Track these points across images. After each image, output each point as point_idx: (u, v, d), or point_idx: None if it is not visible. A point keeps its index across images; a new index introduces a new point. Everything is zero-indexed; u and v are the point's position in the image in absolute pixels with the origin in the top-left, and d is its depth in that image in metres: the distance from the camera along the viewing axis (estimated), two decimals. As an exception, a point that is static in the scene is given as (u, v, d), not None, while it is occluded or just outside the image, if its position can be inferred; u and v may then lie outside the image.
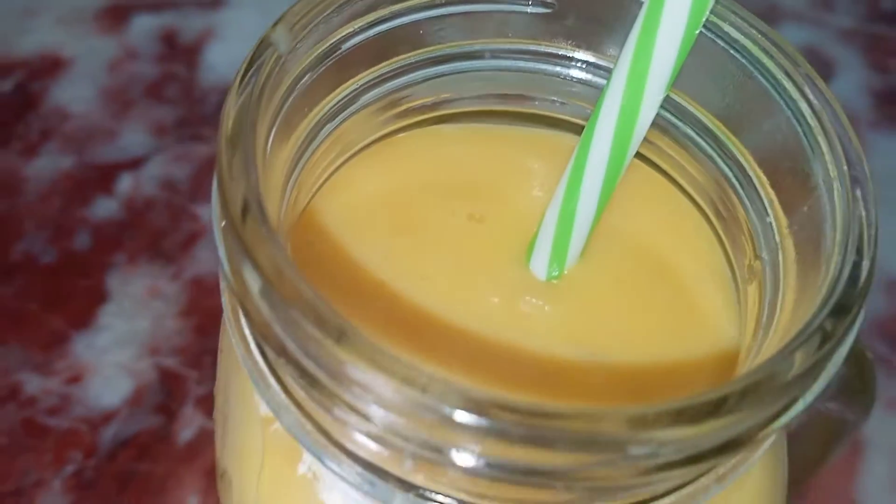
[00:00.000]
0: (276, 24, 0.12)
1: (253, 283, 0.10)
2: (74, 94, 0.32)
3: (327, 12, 0.12)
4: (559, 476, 0.09)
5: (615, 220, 0.14)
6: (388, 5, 0.13)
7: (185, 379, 0.26)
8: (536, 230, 0.14)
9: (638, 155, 0.15)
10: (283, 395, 0.11)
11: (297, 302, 0.10)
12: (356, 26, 0.13)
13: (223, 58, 0.34)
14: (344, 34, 0.13)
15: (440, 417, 0.09)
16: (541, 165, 0.15)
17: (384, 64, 0.14)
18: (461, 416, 0.09)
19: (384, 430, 0.09)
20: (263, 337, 0.10)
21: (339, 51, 0.13)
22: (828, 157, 0.12)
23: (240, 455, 0.12)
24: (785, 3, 0.38)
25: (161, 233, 0.29)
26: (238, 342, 0.12)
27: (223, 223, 0.11)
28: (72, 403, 0.25)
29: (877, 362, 0.26)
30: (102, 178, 0.30)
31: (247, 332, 0.11)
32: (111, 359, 0.26)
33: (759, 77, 0.13)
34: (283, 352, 0.10)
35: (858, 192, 0.12)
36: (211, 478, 0.23)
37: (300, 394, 0.11)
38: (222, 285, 0.12)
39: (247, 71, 0.12)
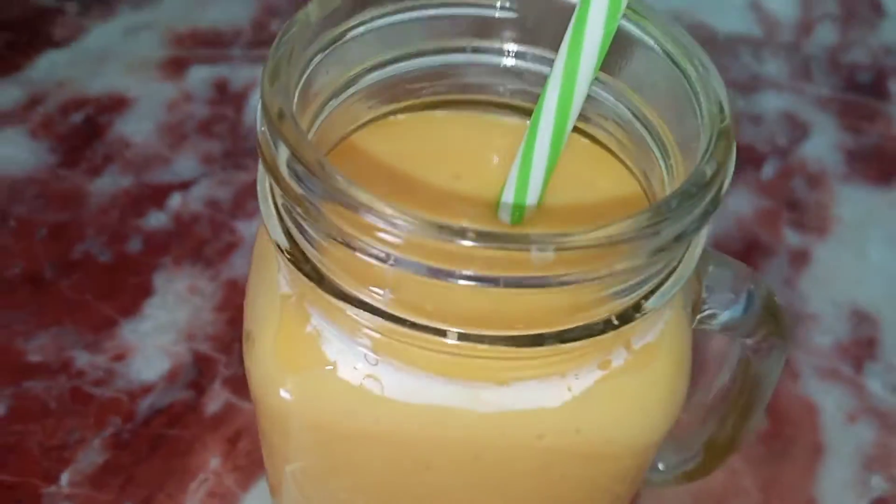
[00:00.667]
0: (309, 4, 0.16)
1: (283, 154, 0.14)
2: (136, 128, 0.37)
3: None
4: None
5: (563, 181, 0.17)
6: (392, 4, 0.17)
7: (215, 361, 0.29)
8: (503, 186, 0.17)
9: (587, 135, 0.18)
10: (297, 273, 0.14)
11: (314, 165, 0.13)
12: (368, 16, 0.17)
13: (266, 103, 0.38)
14: (357, 21, 0.17)
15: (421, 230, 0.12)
16: (504, 141, 0.18)
17: (386, 51, 0.18)
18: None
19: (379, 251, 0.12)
20: (291, 197, 0.13)
21: (352, 34, 0.17)
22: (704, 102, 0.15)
23: (262, 320, 0.15)
24: (767, 73, 0.42)
25: (204, 241, 0.33)
26: (269, 214, 0.15)
27: (264, 128, 0.14)
28: (115, 377, 0.28)
29: (843, 380, 0.29)
30: (156, 195, 0.34)
31: (274, 205, 0.15)
32: (152, 342, 0.29)
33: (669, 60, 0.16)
34: (302, 205, 0.13)
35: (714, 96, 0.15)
36: (232, 444, 0.27)
37: (309, 264, 0.14)
38: (259, 174, 0.16)
39: (286, 31, 0.16)
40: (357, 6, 0.17)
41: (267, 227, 0.15)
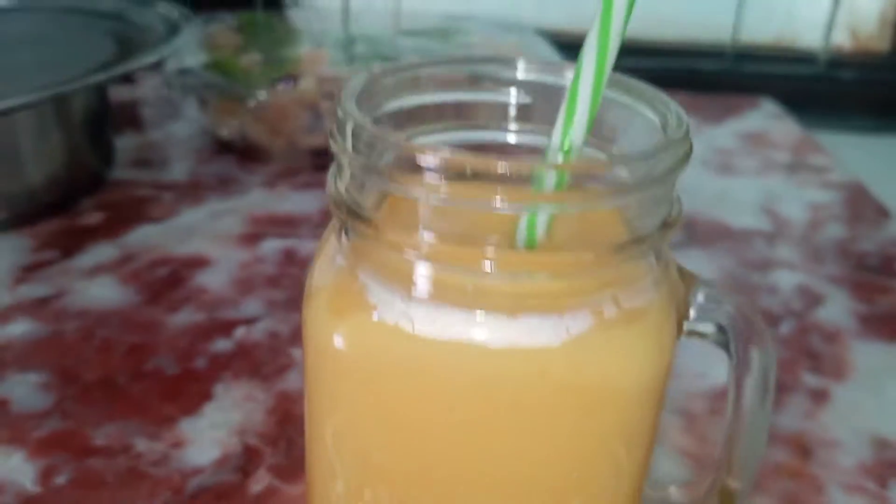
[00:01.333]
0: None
1: (349, 125, 0.18)
2: (212, 279, 0.42)
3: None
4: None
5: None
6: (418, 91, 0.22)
7: (262, 452, 0.31)
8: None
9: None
10: (351, 243, 0.18)
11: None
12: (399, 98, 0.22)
13: (327, 266, 0.44)
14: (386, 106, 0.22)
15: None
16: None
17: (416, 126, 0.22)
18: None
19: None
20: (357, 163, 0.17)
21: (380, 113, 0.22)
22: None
23: (321, 283, 0.19)
24: (780, 256, 0.47)
25: (262, 363, 0.36)
26: (334, 193, 0.19)
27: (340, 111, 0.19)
28: (170, 460, 0.30)
29: (868, 494, 0.29)
30: (224, 327, 0.38)
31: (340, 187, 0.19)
32: (208, 435, 0.32)
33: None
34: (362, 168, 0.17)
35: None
36: (272, 519, 0.28)
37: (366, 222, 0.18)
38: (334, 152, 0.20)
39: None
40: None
41: (336, 189, 0.19)
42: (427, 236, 0.17)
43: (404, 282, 0.18)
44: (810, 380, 0.36)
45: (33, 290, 0.41)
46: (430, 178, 0.17)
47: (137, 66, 0.46)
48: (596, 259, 0.17)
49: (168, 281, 0.42)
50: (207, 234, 0.47)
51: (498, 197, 0.16)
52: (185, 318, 0.39)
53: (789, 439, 0.33)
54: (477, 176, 0.16)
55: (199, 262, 0.44)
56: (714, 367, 0.37)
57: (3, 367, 0.35)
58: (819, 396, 0.35)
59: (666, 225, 0.17)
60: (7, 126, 0.46)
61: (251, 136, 0.55)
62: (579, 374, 0.17)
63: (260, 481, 0.30)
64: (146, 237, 0.46)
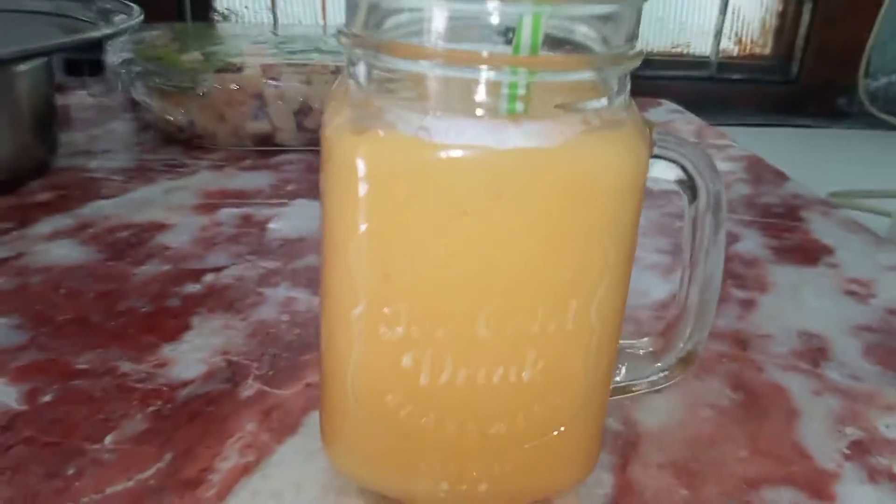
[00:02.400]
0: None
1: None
2: (174, 239, 0.43)
3: None
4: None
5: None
6: None
7: (248, 366, 0.32)
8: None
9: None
10: (365, 80, 0.21)
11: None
12: None
13: (283, 226, 0.46)
14: None
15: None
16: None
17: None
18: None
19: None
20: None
21: None
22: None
23: (339, 109, 0.21)
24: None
25: (234, 299, 0.37)
26: (352, 32, 0.21)
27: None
28: (156, 377, 0.31)
29: (803, 372, 0.33)
30: (192, 275, 0.39)
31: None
32: (191, 356, 0.33)
33: None
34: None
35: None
36: (266, 415, 0.29)
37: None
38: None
39: None
40: None
41: (352, 32, 0.21)
42: (440, 41, 0.19)
43: (420, 99, 0.20)
44: (738, 293, 0.41)
45: (-9, 253, 0.41)
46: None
47: (91, 37, 0.47)
48: (580, 60, 0.20)
49: (129, 242, 0.43)
50: (162, 205, 0.48)
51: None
52: (151, 269, 0.40)
53: (727, 335, 0.37)
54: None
55: (158, 227, 0.45)
56: (655, 287, 0.41)
57: (-30, 316, 0.35)
58: (747, 304, 0.39)
59: (635, 53, 0.21)
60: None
61: (198, 124, 0.56)
62: (573, 170, 0.20)
63: (249, 388, 0.31)
64: (100, 209, 0.47)
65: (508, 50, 0.19)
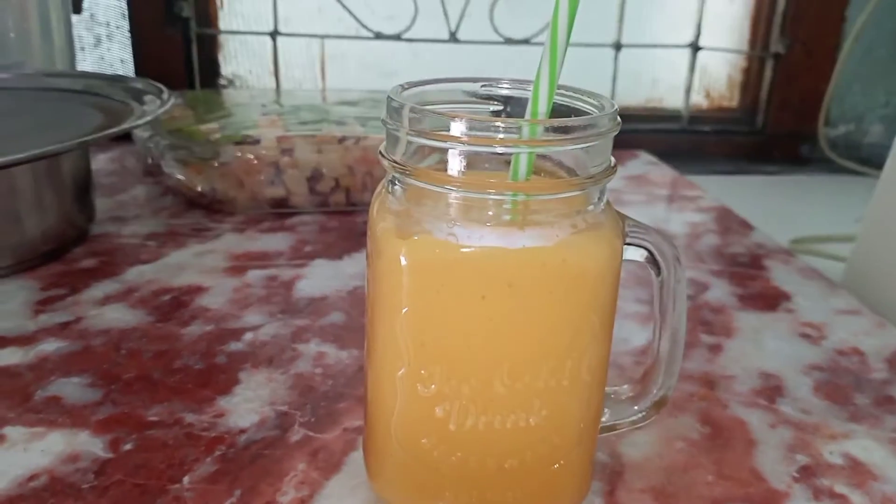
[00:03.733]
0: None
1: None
2: (212, 301, 0.49)
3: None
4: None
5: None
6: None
7: (293, 415, 0.38)
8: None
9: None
10: (405, 192, 0.27)
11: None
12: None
13: (306, 285, 0.52)
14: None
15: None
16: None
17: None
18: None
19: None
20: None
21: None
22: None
23: (384, 221, 0.27)
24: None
25: (273, 355, 0.43)
26: (393, 161, 0.27)
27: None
28: (218, 426, 0.37)
29: (761, 408, 0.39)
30: (233, 334, 0.45)
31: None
32: (244, 407, 0.38)
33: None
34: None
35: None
36: (313, 456, 0.35)
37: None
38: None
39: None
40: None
41: (392, 158, 0.27)
42: (458, 171, 0.26)
43: (448, 212, 0.26)
44: (707, 338, 0.47)
45: (53, 317, 0.46)
46: (457, 131, 0.25)
47: (131, 126, 0.54)
48: (567, 183, 0.26)
49: (173, 304, 0.48)
50: (197, 269, 0.54)
51: (500, 137, 0.25)
52: (196, 329, 0.46)
53: (697, 377, 0.43)
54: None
55: (196, 290, 0.50)
56: (635, 334, 0.47)
57: (47, 375, 0.41)
58: (715, 348, 0.46)
59: (608, 170, 0.27)
60: (8, 183, 0.52)
61: (219, 191, 0.63)
62: (566, 263, 0.26)
63: (296, 433, 0.37)
64: (142, 274, 0.53)
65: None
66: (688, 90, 0.96)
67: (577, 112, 0.28)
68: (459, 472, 0.28)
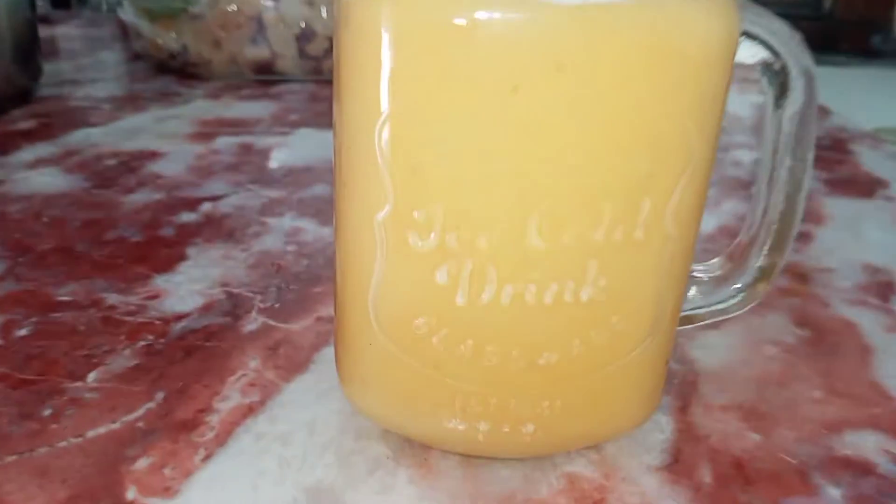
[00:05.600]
0: None
1: None
2: (166, 168, 0.39)
3: None
4: None
5: None
6: None
7: (251, 298, 0.29)
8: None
9: None
10: None
11: None
12: None
13: (287, 155, 0.42)
14: None
15: None
16: None
17: None
18: None
19: None
20: None
21: None
22: None
23: None
24: (737, 141, 0.47)
25: (235, 229, 0.34)
26: None
27: None
28: (147, 310, 0.28)
29: (872, 307, 0.29)
30: (187, 203, 0.36)
31: None
32: (186, 287, 0.29)
33: None
34: None
35: None
36: (272, 350, 0.26)
37: None
38: None
39: None
40: None
41: None
42: None
43: None
44: (792, 225, 0.37)
45: (-35, 181, 0.37)
46: None
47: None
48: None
49: (118, 170, 0.39)
50: (154, 133, 0.44)
51: None
52: (142, 197, 0.36)
53: (784, 269, 0.33)
54: None
55: (149, 155, 0.41)
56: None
57: (-60, 246, 0.31)
58: (803, 236, 0.36)
59: None
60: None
61: (192, 50, 0.52)
62: (656, 33, 0.16)
63: (253, 322, 0.27)
64: (87, 137, 0.43)
65: None
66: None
67: None
68: (471, 370, 0.19)
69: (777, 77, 0.21)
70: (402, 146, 0.17)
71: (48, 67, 0.53)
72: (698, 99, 0.17)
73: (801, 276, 0.32)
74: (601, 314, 0.18)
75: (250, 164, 0.40)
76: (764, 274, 0.23)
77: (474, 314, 0.18)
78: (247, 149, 0.42)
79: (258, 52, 0.53)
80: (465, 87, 0.16)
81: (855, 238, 0.36)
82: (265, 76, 0.54)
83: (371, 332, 0.20)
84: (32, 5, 0.50)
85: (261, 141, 0.43)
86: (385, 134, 0.17)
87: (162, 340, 0.26)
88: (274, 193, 0.37)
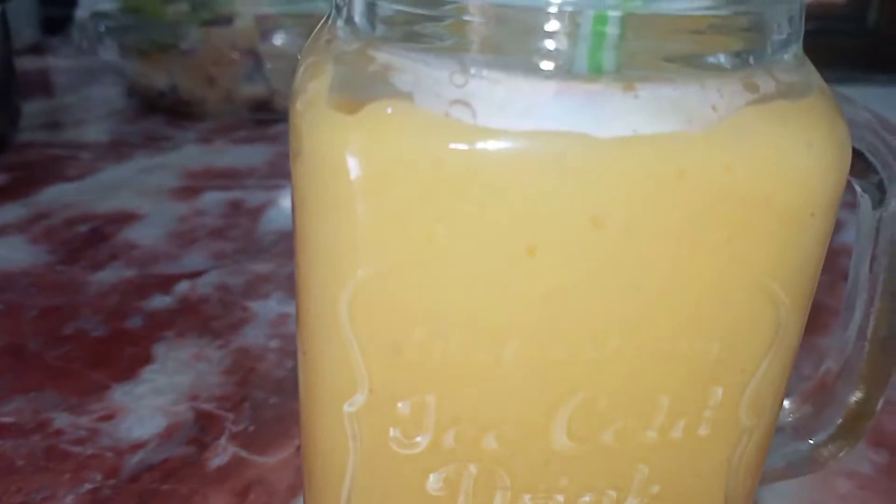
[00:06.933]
0: None
1: None
2: (144, 234, 0.35)
3: None
4: None
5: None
6: None
7: (221, 419, 0.24)
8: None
9: None
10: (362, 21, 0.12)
11: None
12: None
13: (279, 215, 0.37)
14: None
15: None
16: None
17: None
18: None
19: None
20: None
21: None
22: None
23: (314, 78, 0.13)
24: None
25: (212, 317, 0.29)
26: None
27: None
28: (100, 436, 0.23)
29: None
30: (162, 283, 0.31)
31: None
32: (148, 403, 0.25)
33: None
34: None
35: None
36: (241, 497, 0.21)
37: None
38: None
39: None
40: None
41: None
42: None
43: (456, 46, 0.11)
44: (859, 301, 0.32)
45: (-82, 255, 0.33)
46: None
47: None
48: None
49: (88, 238, 0.35)
50: (135, 189, 0.39)
51: None
52: (111, 275, 0.32)
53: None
54: None
55: (125, 217, 0.36)
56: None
57: None
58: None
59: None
60: None
61: (183, 88, 0.48)
62: (736, 173, 0.11)
63: (221, 453, 0.23)
64: (60, 195, 0.39)
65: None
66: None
67: None
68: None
69: (872, 181, 0.16)
70: (380, 318, 0.12)
71: (31, 106, 0.49)
72: (788, 257, 0.12)
73: (875, 373, 0.27)
74: (652, 529, 0.14)
75: (238, 229, 0.36)
76: (858, 416, 0.18)
77: (481, 531, 0.14)
78: (236, 207, 0.38)
79: (255, 90, 0.48)
80: (465, 243, 0.12)
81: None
82: (262, 115, 0.49)
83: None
84: (8, 45, 0.46)
85: (252, 197, 0.39)
86: (357, 304, 0.12)
87: (111, 482, 0.22)
88: (260, 267, 0.33)
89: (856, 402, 0.18)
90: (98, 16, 0.47)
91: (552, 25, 0.11)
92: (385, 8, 0.12)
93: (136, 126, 0.48)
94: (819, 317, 0.19)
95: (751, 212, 0.12)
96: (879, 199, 0.16)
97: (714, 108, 0.11)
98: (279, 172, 0.42)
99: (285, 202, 0.38)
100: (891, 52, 0.72)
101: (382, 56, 0.12)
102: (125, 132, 0.47)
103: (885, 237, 0.17)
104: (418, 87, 0.12)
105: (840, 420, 0.18)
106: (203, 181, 0.41)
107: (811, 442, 0.18)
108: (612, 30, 0.11)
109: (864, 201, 0.16)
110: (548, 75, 0.11)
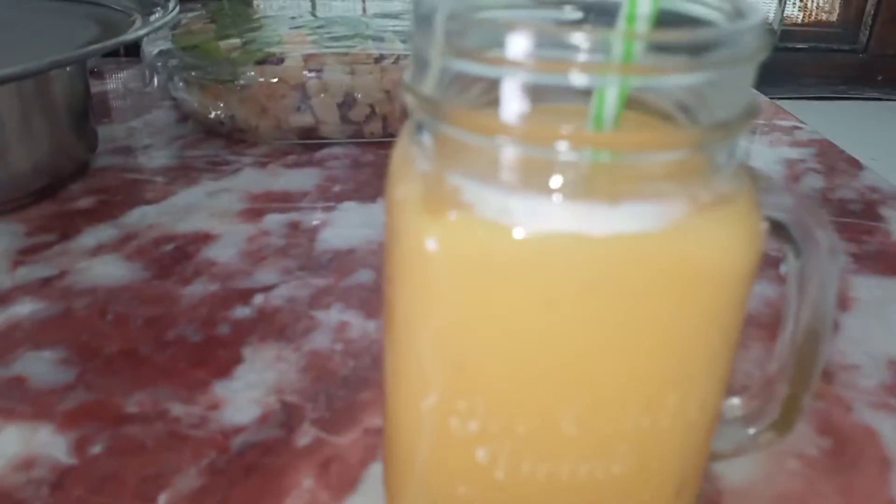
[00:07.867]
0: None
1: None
2: (221, 253, 0.42)
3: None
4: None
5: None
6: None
7: (303, 408, 0.31)
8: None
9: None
10: (432, 151, 0.18)
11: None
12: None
13: (332, 235, 0.44)
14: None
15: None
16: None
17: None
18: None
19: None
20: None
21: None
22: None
23: (407, 192, 0.19)
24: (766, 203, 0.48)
25: (286, 325, 0.36)
26: (419, 94, 0.19)
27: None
28: (209, 421, 0.30)
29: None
30: (241, 296, 0.38)
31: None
32: (243, 395, 0.31)
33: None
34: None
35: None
36: (324, 468, 0.28)
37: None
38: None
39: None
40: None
41: (419, 91, 0.19)
42: (516, 113, 0.17)
43: (501, 177, 0.18)
44: (820, 313, 0.38)
45: (34, 271, 0.40)
46: (516, 50, 0.16)
47: (126, 40, 0.45)
48: (686, 134, 0.17)
49: (175, 256, 0.41)
50: (207, 212, 0.46)
51: (581, 59, 0.16)
52: (199, 288, 0.38)
53: (810, 366, 0.34)
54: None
55: (204, 238, 0.43)
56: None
57: (14, 346, 0.34)
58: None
59: (747, 112, 0.18)
60: (-10, 110, 0.44)
61: (239, 118, 0.54)
62: (682, 258, 0.17)
63: (305, 435, 0.29)
64: (143, 217, 0.45)
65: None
66: (781, 1, 0.83)
67: (696, 21, 0.19)
68: (509, 531, 0.21)
69: (790, 240, 0.22)
70: (447, 349, 0.19)
71: (101, 132, 0.55)
72: (723, 309, 0.19)
73: (825, 374, 0.34)
74: (630, 487, 0.20)
75: (298, 248, 0.42)
76: (786, 417, 0.24)
77: (513, 486, 0.20)
78: (294, 227, 0.44)
79: (302, 119, 0.55)
80: (504, 301, 0.18)
81: (882, 326, 0.37)
82: (308, 140, 0.56)
83: (418, 491, 0.21)
84: (85, 71, 0.52)
85: (306, 218, 0.45)
86: (433, 338, 0.19)
87: (224, 457, 0.28)
88: (321, 282, 0.39)
89: (786, 398, 0.24)
90: (166, 54, 0.54)
91: (562, 166, 0.17)
92: (451, 145, 0.19)
93: (199, 150, 0.55)
94: (775, 329, 0.25)
95: (697, 282, 0.18)
96: (798, 252, 0.22)
97: (668, 214, 0.18)
98: (327, 195, 0.48)
99: (336, 223, 0.45)
100: (881, 68, 0.77)
101: (451, 179, 0.18)
102: (190, 157, 0.54)
103: (805, 278, 0.23)
104: (477, 200, 0.18)
105: (776, 414, 0.25)
106: (264, 203, 0.47)
107: (753, 430, 0.25)
108: (610, 168, 0.17)
109: (790, 252, 0.22)
110: (562, 195, 0.18)
